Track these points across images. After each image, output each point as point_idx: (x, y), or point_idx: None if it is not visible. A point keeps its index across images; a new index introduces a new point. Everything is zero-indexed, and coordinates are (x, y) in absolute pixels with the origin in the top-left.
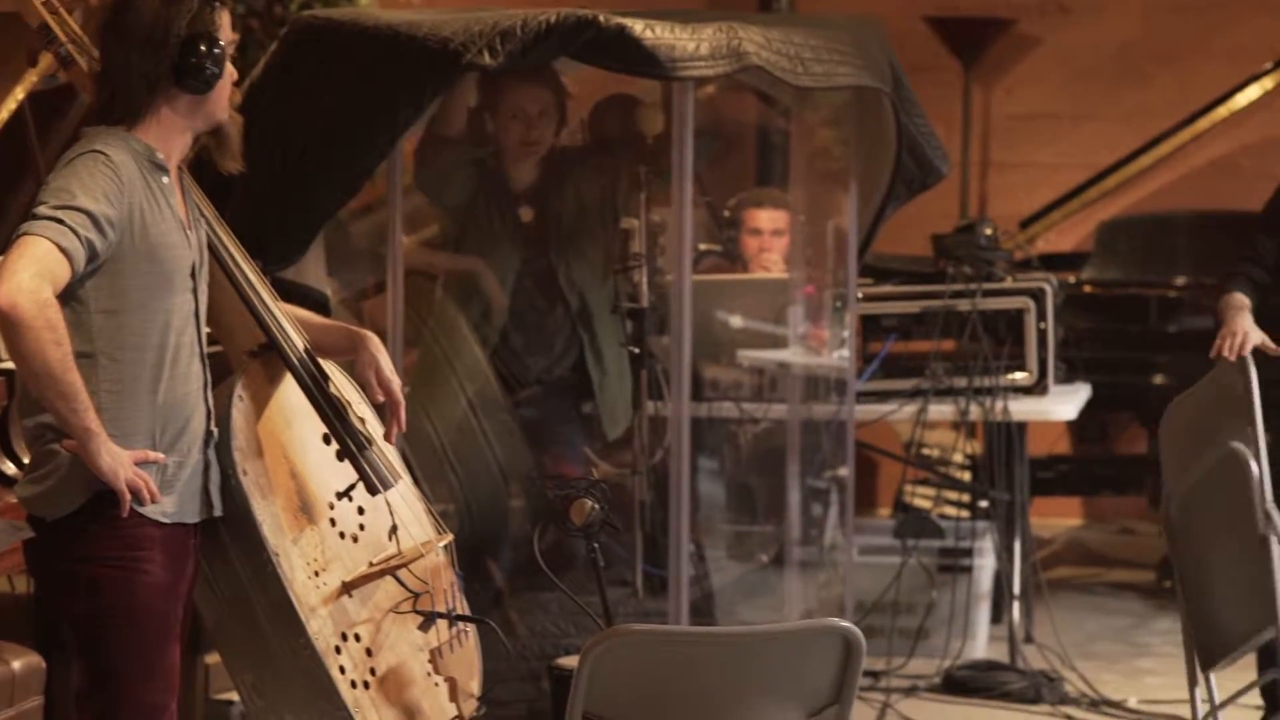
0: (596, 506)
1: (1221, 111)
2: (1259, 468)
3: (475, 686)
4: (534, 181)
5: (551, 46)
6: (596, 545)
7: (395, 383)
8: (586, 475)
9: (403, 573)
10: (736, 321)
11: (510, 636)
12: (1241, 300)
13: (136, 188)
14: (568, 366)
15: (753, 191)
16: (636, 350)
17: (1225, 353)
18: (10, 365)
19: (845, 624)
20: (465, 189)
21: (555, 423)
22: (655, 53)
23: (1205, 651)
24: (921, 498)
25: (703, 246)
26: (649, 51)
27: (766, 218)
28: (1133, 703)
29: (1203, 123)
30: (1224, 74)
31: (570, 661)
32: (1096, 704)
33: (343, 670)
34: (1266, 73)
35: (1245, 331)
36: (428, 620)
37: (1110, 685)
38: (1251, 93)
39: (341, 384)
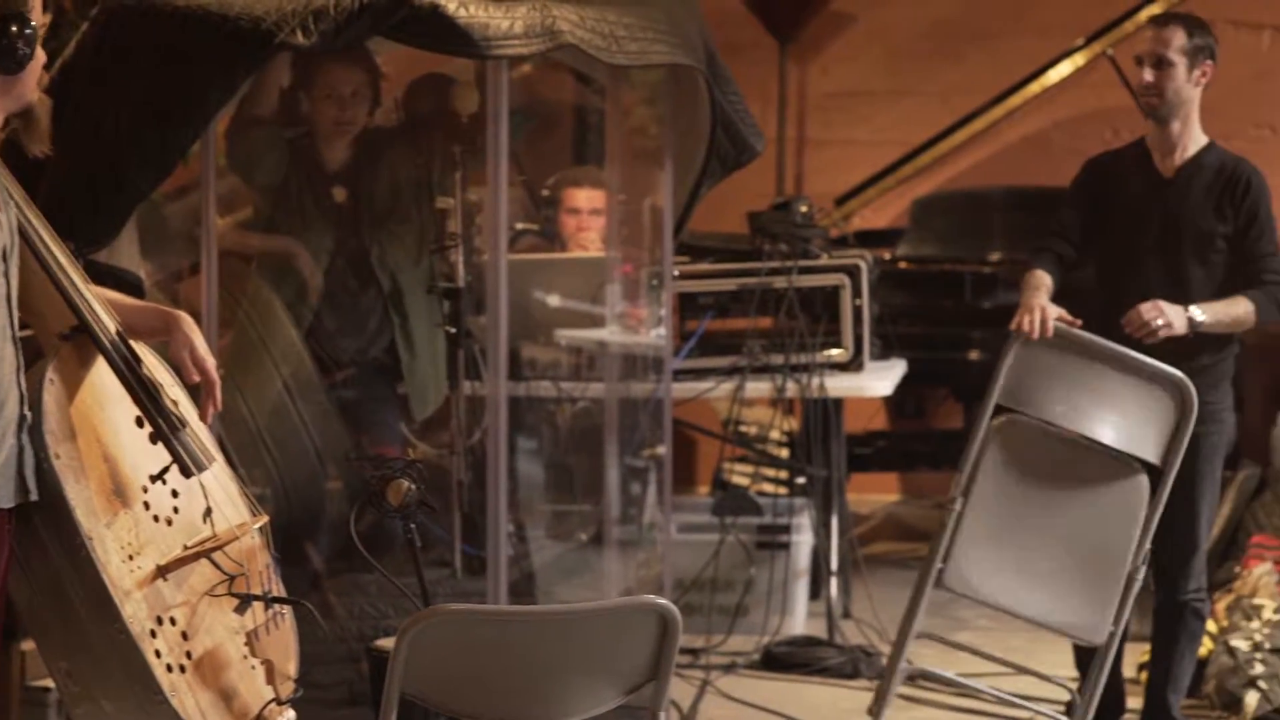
0: (413, 487)
1: (1034, 88)
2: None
3: (292, 669)
4: (347, 162)
5: (365, 26)
6: (413, 526)
7: (210, 363)
8: (404, 456)
9: (218, 555)
10: (554, 301)
11: (329, 619)
12: (1040, 278)
13: None
14: (382, 348)
15: (571, 170)
16: (453, 330)
17: (1027, 329)
18: None
19: (661, 601)
20: (278, 169)
21: (372, 404)
22: (469, 31)
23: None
24: (740, 475)
25: (520, 226)
26: (463, 30)
27: (585, 197)
28: (950, 676)
29: (1015, 99)
30: (1036, 51)
31: (388, 643)
32: (914, 678)
33: (158, 654)
34: (1078, 49)
35: (1043, 307)
36: (243, 603)
37: (927, 659)
38: (1063, 69)
39: (154, 366)
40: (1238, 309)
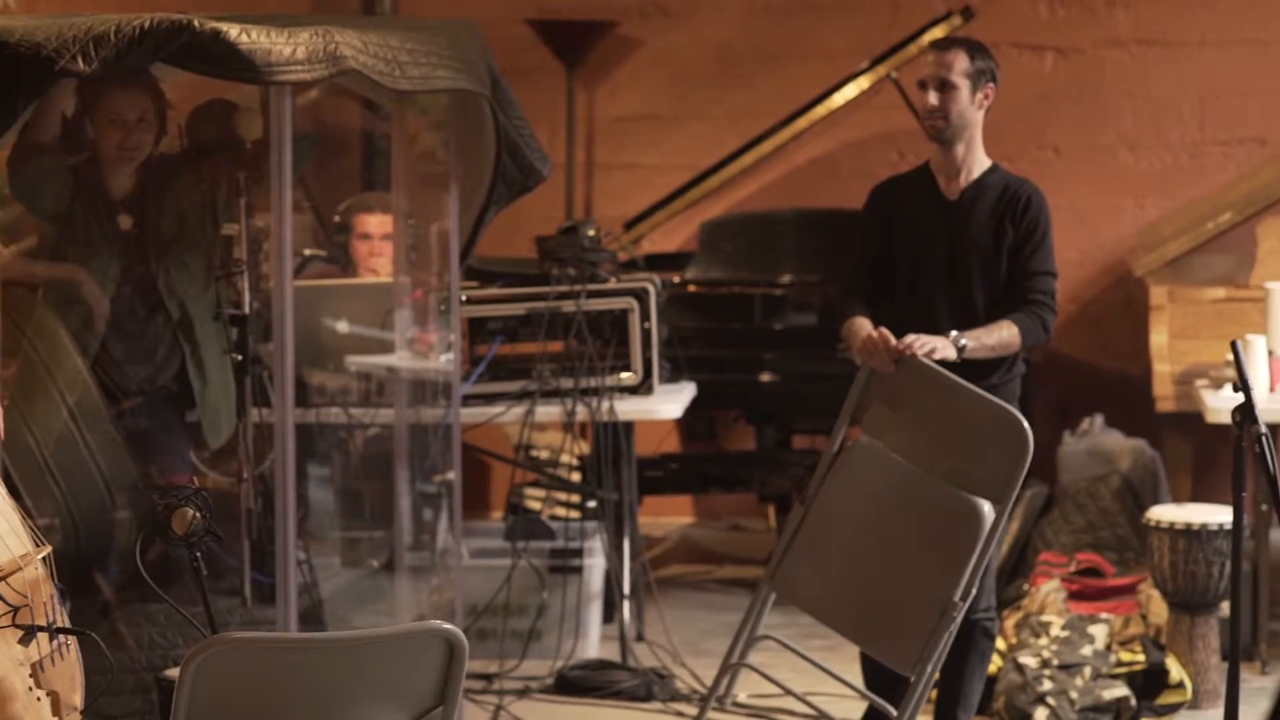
0: (198, 515)
1: (820, 111)
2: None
3: (79, 700)
4: (133, 189)
5: (146, 51)
6: (199, 554)
7: None
8: (191, 485)
9: (0, 586)
10: (343, 327)
11: (119, 649)
12: (860, 324)
13: None
14: (170, 375)
15: (362, 196)
16: (240, 357)
17: (880, 363)
18: None
19: (447, 626)
20: (62, 197)
21: (162, 432)
22: (251, 57)
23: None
24: (532, 499)
25: (308, 252)
26: (245, 56)
27: (376, 223)
28: (742, 698)
29: (801, 122)
30: (822, 74)
31: (177, 673)
32: (721, 699)
33: None
34: (862, 72)
35: (881, 336)
36: (28, 634)
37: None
38: (848, 92)
39: None
40: (1002, 333)
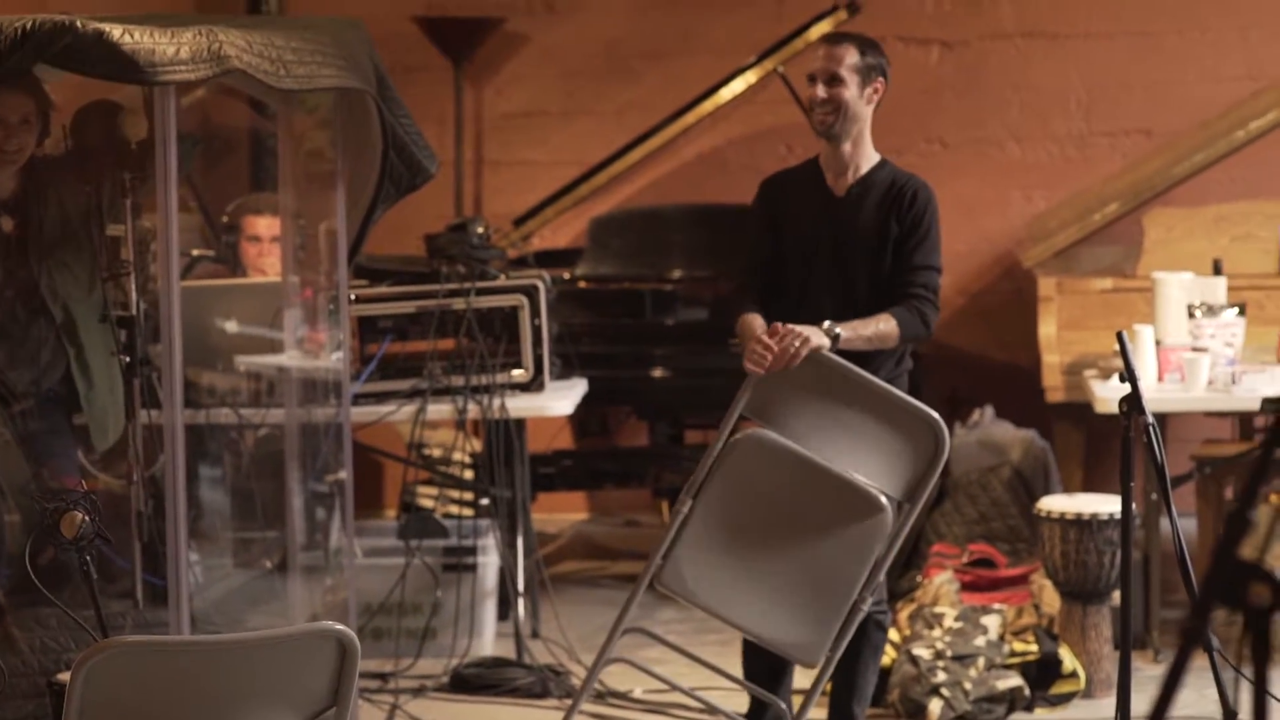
0: (87, 518)
1: (707, 106)
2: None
3: None
4: (14, 190)
5: (28, 53)
6: (89, 557)
7: None
8: (80, 488)
9: None
10: (232, 327)
11: (10, 653)
12: (753, 320)
13: None
14: (56, 379)
15: (250, 198)
16: (128, 359)
17: (762, 367)
18: None
19: (339, 627)
20: None
21: (49, 436)
22: (135, 57)
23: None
24: (425, 497)
25: (196, 252)
26: (128, 56)
27: (265, 224)
28: (638, 693)
29: (689, 117)
30: (709, 68)
31: (69, 676)
32: (603, 695)
33: None
34: (749, 66)
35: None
36: None
37: (616, 677)
38: (736, 86)
39: None
40: (879, 325)
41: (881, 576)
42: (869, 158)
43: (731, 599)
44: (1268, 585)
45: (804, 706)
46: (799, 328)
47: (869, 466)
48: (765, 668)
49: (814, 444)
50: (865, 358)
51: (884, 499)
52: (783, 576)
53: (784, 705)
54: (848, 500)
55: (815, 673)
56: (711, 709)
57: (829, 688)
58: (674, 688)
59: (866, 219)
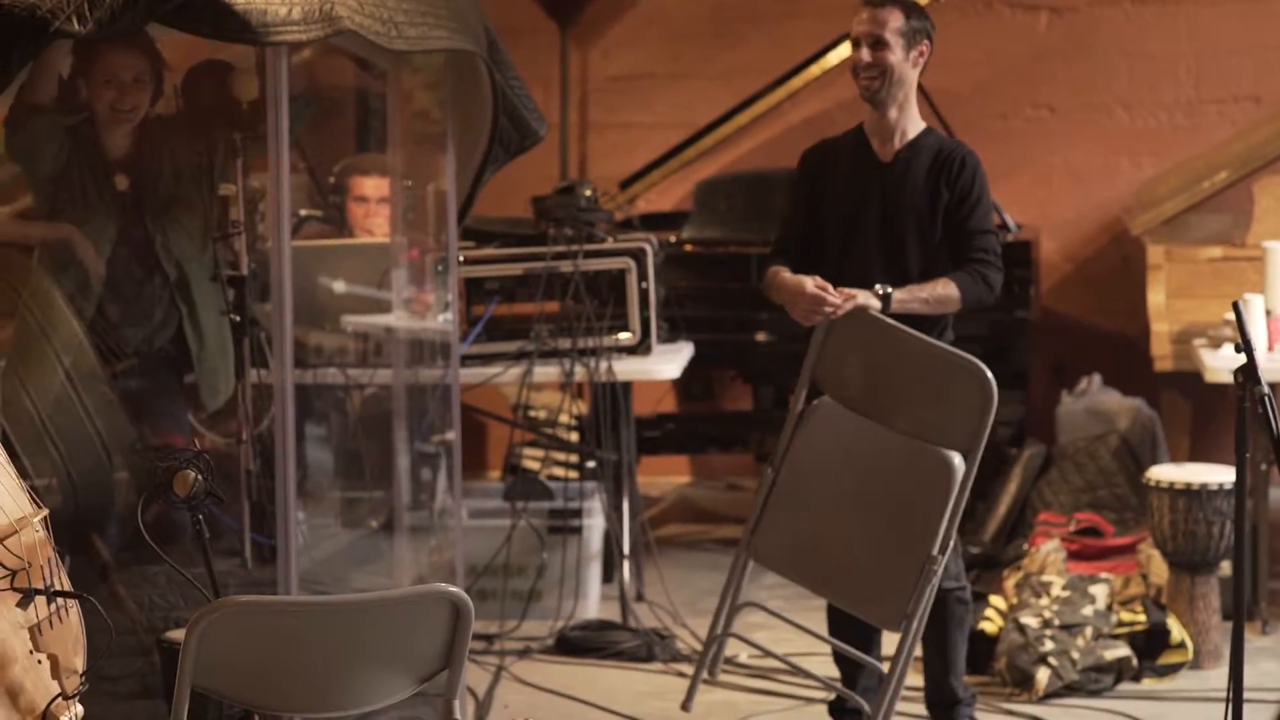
0: (200, 477)
1: (814, 70)
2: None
3: (79, 663)
4: (129, 149)
5: (141, 12)
6: (201, 516)
7: None
8: (191, 446)
9: None
10: (340, 287)
11: (118, 611)
12: (784, 273)
13: None
14: (168, 337)
15: (357, 158)
16: (238, 318)
17: (829, 312)
18: None
19: (453, 589)
20: (58, 157)
21: (158, 394)
22: (247, 18)
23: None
24: (530, 459)
25: (304, 212)
26: (241, 17)
27: (372, 185)
28: (743, 658)
29: (796, 81)
30: (816, 32)
31: (179, 634)
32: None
33: None
34: None
35: (811, 290)
36: (26, 597)
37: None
38: (843, 51)
39: None
40: (938, 289)
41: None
42: (915, 124)
43: (814, 567)
44: None
45: (893, 668)
46: (851, 290)
47: (925, 422)
48: (853, 632)
49: (873, 406)
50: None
51: (946, 453)
52: (858, 541)
53: (879, 666)
54: (912, 460)
55: (911, 636)
56: (807, 675)
57: (922, 661)
58: (770, 655)
59: (915, 185)
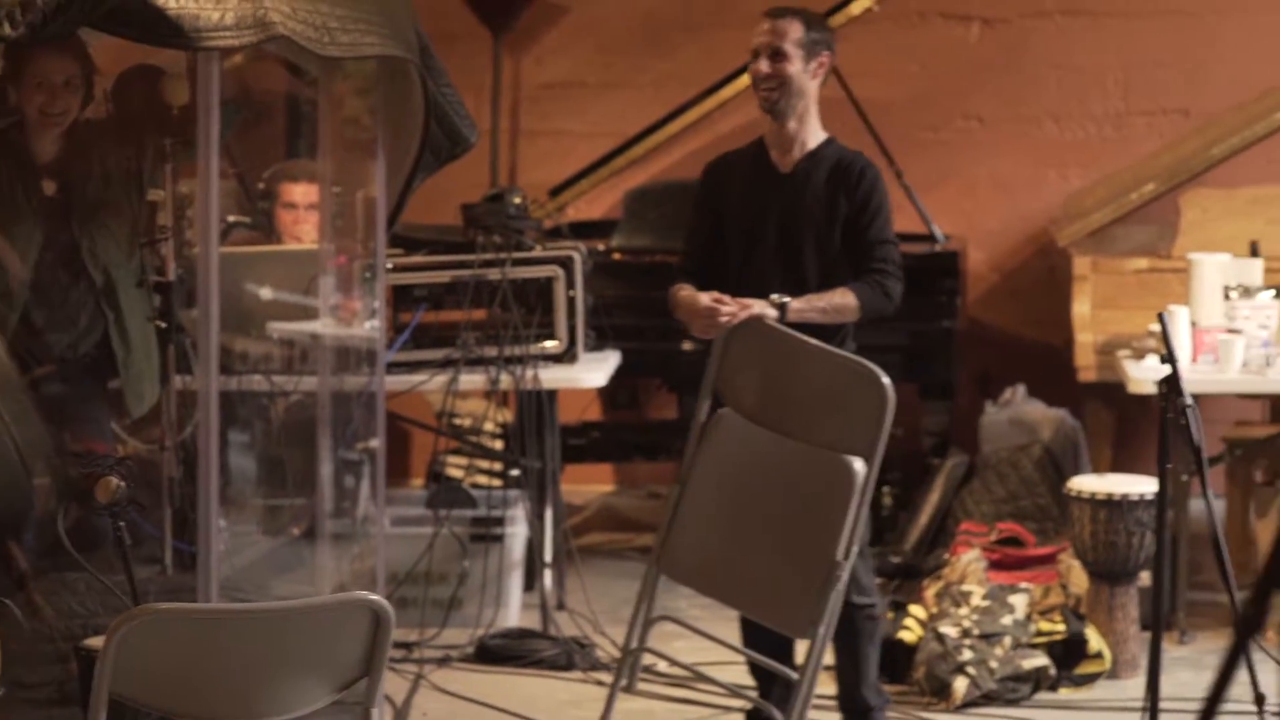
0: (122, 484)
1: (744, 80)
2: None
3: None
4: (58, 154)
5: (73, 17)
6: (122, 523)
7: None
8: (114, 453)
9: None
10: (266, 293)
11: (36, 618)
12: (687, 290)
13: None
14: (93, 343)
15: (287, 165)
16: (164, 324)
17: (725, 321)
18: None
19: (374, 597)
20: None
21: (83, 400)
22: (179, 23)
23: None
24: (454, 467)
25: (232, 219)
26: (173, 22)
27: (301, 192)
28: (662, 667)
29: (727, 91)
30: (745, 42)
31: (98, 642)
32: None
33: None
34: None
35: (708, 304)
36: None
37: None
38: None
39: None
40: (835, 298)
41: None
42: (816, 134)
43: (722, 579)
44: None
45: (803, 673)
46: (747, 300)
47: (825, 429)
48: (767, 642)
49: (772, 415)
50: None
51: (846, 459)
52: (763, 551)
53: (791, 674)
54: (812, 467)
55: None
56: (717, 684)
57: (835, 669)
58: (684, 668)
59: (814, 195)
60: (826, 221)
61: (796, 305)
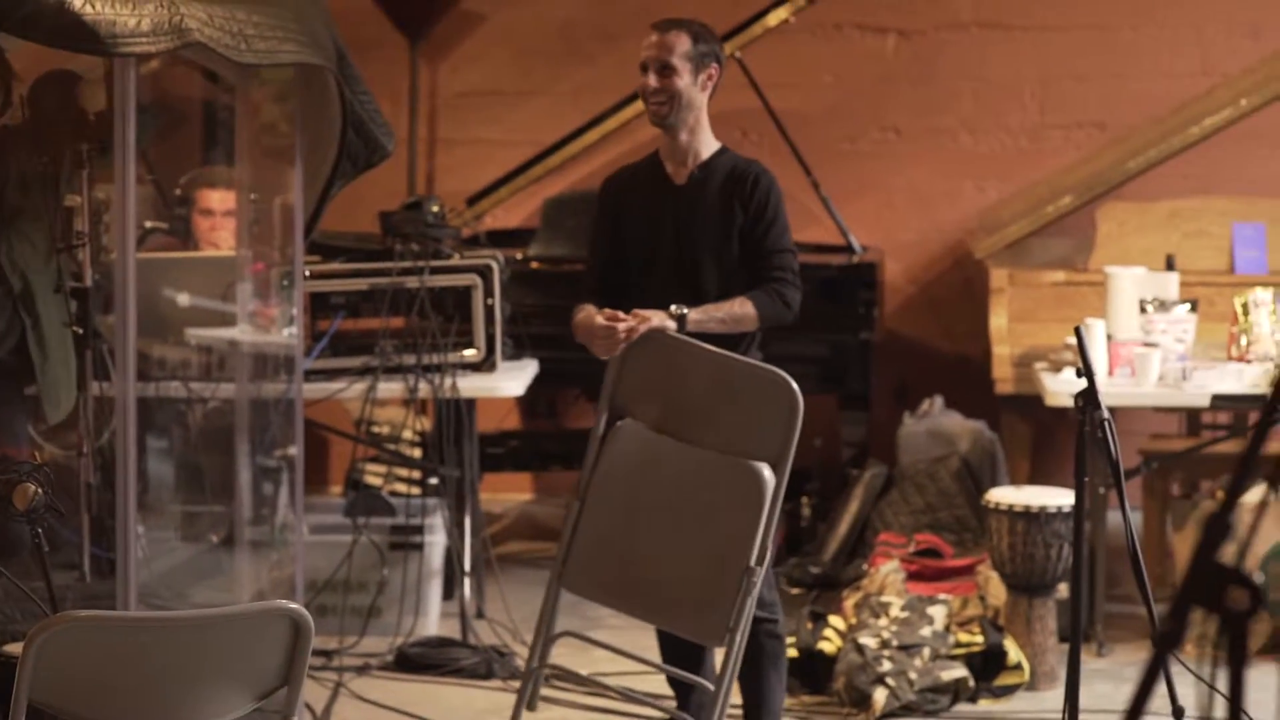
0: (39, 491)
1: None
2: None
3: None
4: None
5: None
6: (40, 530)
7: None
8: (30, 459)
9: None
10: (184, 299)
11: None
12: (589, 311)
13: None
14: (9, 349)
15: (203, 171)
16: (80, 330)
17: (623, 338)
18: None
19: (293, 606)
20: None
21: (1, 405)
22: (95, 28)
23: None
24: (373, 475)
25: (149, 224)
26: (89, 27)
27: (218, 198)
28: (583, 674)
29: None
30: None
31: (17, 648)
32: (547, 678)
33: None
34: None
35: (604, 324)
36: None
37: (561, 658)
38: None
39: None
40: (734, 308)
41: (768, 544)
42: (709, 145)
43: (629, 592)
44: (1246, 590)
45: (719, 685)
46: (642, 311)
47: (733, 436)
48: (682, 652)
49: (678, 423)
50: (715, 343)
51: (754, 465)
52: (673, 561)
53: (708, 685)
54: (720, 474)
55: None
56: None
57: (740, 697)
58: (592, 683)
59: (709, 205)
60: (722, 231)
61: (695, 316)
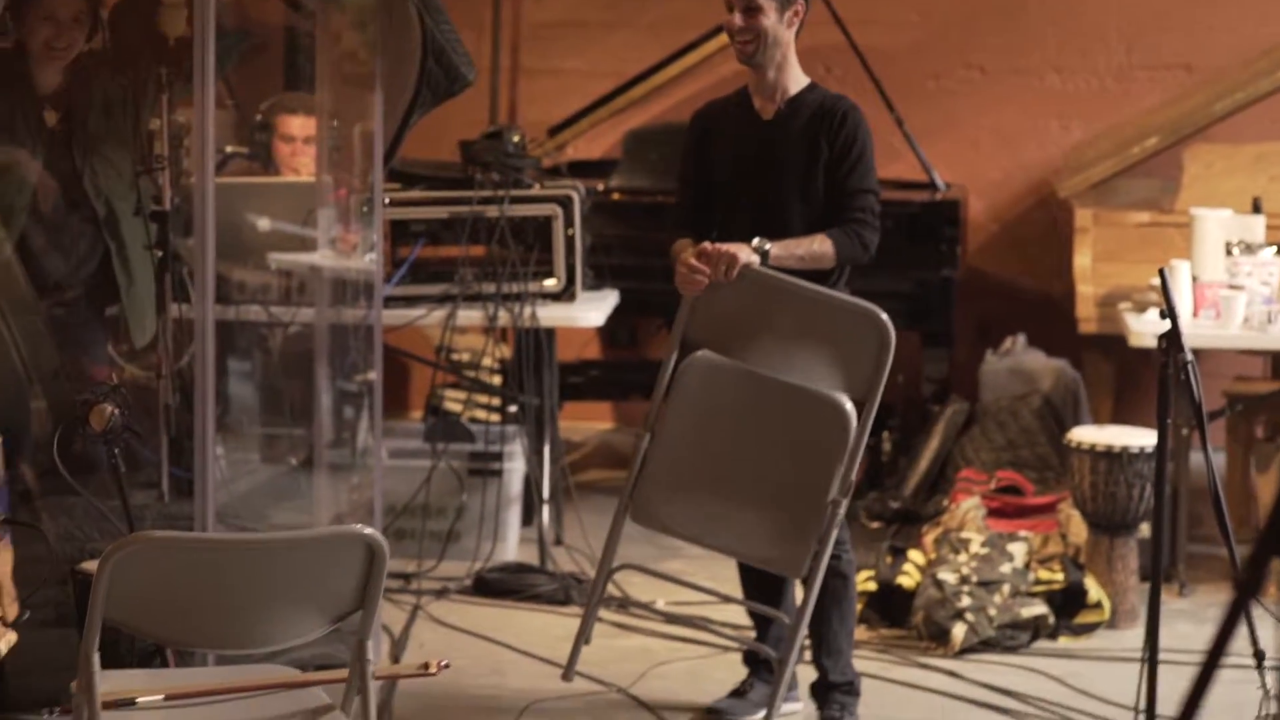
0: (116, 412)
1: None
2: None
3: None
4: (59, 85)
5: None
6: (117, 451)
7: None
8: (109, 379)
9: None
10: (264, 224)
11: (37, 540)
12: (684, 244)
13: None
14: (90, 272)
15: (284, 97)
16: (161, 253)
17: (723, 279)
18: None
19: (368, 531)
20: None
21: (81, 327)
22: None
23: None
24: (452, 402)
25: (229, 149)
26: None
27: (299, 124)
28: (660, 604)
29: (727, 35)
30: None
31: (93, 566)
32: (625, 605)
33: None
34: None
35: (700, 252)
36: None
37: (638, 587)
38: None
39: None
40: (813, 246)
41: (851, 478)
42: (797, 81)
43: (707, 524)
44: None
45: (798, 618)
46: (727, 246)
47: (819, 371)
48: (762, 584)
49: (760, 358)
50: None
51: (839, 399)
52: (754, 493)
53: (784, 618)
54: (804, 407)
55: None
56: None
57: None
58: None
59: (795, 140)
60: (808, 166)
61: (776, 251)
